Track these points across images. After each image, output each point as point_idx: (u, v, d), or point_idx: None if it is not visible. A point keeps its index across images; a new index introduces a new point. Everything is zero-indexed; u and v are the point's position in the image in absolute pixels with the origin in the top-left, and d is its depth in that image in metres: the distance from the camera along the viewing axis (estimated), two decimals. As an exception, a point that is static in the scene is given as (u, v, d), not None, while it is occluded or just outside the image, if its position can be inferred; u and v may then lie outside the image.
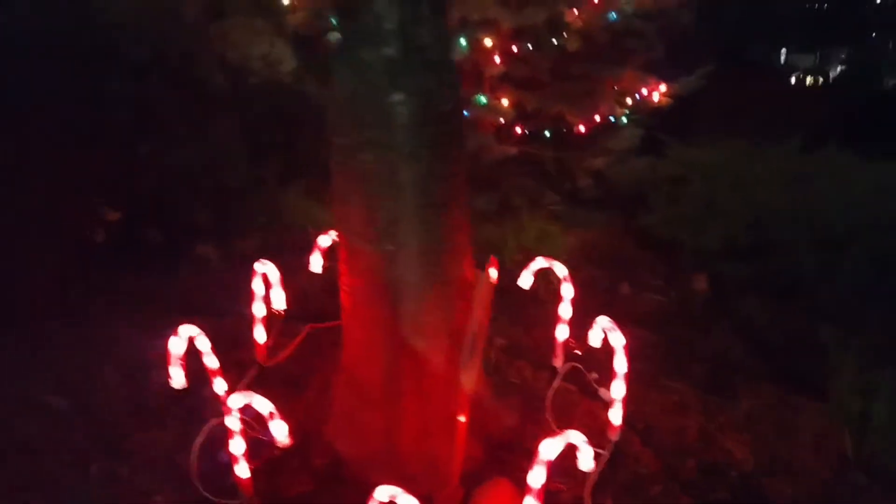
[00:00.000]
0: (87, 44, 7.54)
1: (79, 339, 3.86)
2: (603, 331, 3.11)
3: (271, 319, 3.69)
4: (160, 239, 4.96)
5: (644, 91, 5.16)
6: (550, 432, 2.77)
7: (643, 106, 5.20)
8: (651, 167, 5.16)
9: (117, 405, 3.36)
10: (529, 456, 2.51)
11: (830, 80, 22.70)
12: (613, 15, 4.74)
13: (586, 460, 2.56)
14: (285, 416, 2.81)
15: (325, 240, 3.71)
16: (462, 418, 2.67)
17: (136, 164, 5.31)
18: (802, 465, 3.24)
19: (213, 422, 3.01)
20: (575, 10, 4.67)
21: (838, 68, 24.83)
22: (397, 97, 2.67)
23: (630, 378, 3.08)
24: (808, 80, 22.49)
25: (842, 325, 3.95)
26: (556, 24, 4.64)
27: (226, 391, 3.16)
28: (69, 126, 5.53)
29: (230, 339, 3.80)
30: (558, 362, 3.54)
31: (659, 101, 5.22)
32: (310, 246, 4.86)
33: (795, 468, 3.22)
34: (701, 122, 6.08)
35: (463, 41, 4.57)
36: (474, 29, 4.60)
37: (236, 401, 2.66)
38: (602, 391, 3.44)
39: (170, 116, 6.33)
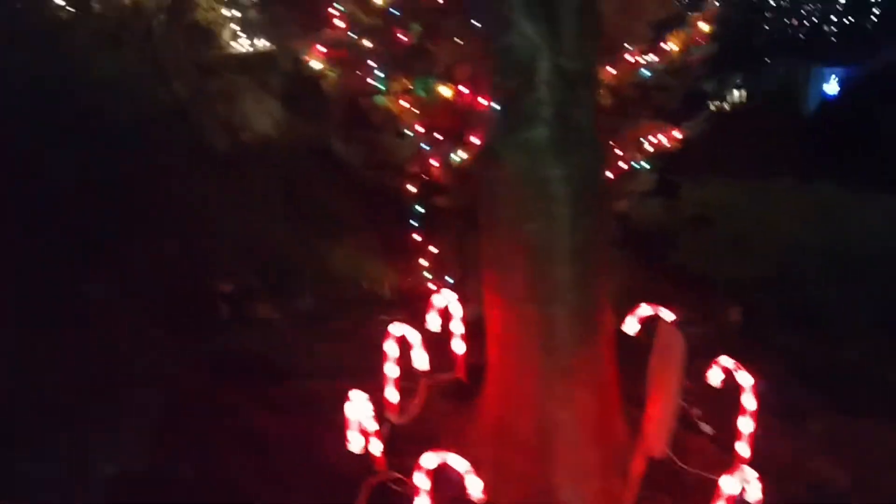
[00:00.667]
0: (76, 107, 7.46)
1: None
2: (725, 370, 3.36)
3: (407, 378, 3.73)
4: (223, 303, 4.99)
5: (659, 136, 5.48)
6: (673, 466, 3.01)
7: (657, 149, 5.52)
8: (669, 207, 5.49)
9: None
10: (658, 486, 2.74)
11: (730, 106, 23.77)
12: (646, 72, 5.07)
13: (754, 493, 2.80)
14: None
15: (440, 299, 3.84)
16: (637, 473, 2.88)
17: (187, 233, 5.34)
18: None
19: (375, 479, 3.12)
20: (610, 69, 4.98)
21: (735, 93, 26.08)
22: (558, 172, 2.89)
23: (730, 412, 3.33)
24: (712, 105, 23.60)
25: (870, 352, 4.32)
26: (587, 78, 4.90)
27: (382, 451, 3.27)
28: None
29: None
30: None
31: (670, 145, 5.55)
32: (372, 300, 4.99)
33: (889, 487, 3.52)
34: (702, 161, 6.46)
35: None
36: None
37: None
38: (704, 426, 3.69)
39: (196, 182, 6.36)
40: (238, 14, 8.29)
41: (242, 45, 8.50)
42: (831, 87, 22.49)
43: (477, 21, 3.16)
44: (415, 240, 5.50)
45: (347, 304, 5.13)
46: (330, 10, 5.37)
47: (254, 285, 5.15)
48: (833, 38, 32.73)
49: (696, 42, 5.28)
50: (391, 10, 4.94)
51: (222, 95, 7.63)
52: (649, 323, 3.75)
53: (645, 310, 3.70)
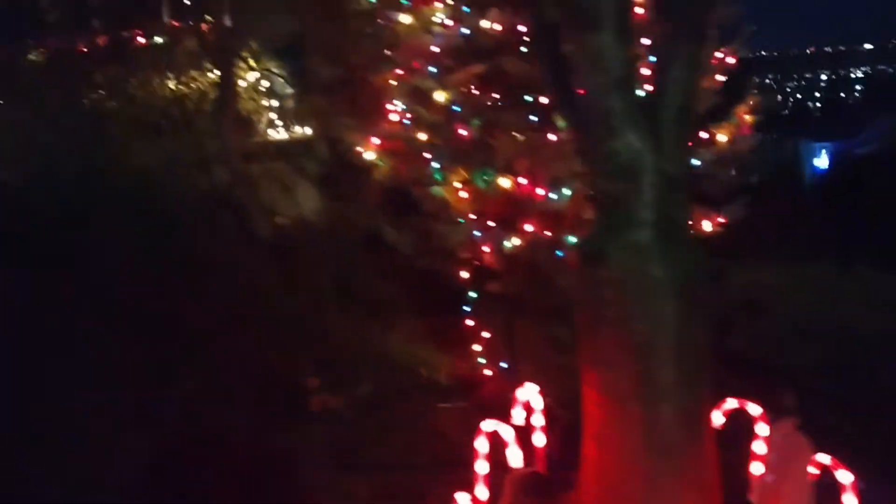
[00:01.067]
0: (119, 194, 7.53)
1: None
2: (819, 467, 3.33)
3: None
4: (281, 393, 4.94)
5: (704, 222, 5.54)
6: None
7: (703, 235, 5.57)
8: (719, 291, 5.48)
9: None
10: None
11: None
12: (697, 161, 5.16)
13: None
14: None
15: (524, 393, 3.80)
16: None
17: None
18: None
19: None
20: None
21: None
22: (663, 272, 2.91)
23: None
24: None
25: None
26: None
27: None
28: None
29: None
30: (754, 497, 3.71)
31: (713, 229, 5.61)
32: (429, 387, 4.94)
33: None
34: (739, 244, 6.49)
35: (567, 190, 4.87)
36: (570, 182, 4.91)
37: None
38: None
39: (245, 268, 6.38)
40: (276, 104, 8.41)
41: (279, 132, 8.61)
42: (822, 161, 22.75)
43: (578, 128, 3.19)
44: (468, 326, 5.50)
45: (406, 392, 5.09)
46: (387, 105, 5.49)
47: (314, 374, 5.10)
48: (818, 114, 33.55)
49: (742, 132, 5.40)
50: (453, 106, 5.02)
51: (263, 181, 7.70)
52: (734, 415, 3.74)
53: (731, 403, 3.68)
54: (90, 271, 6.31)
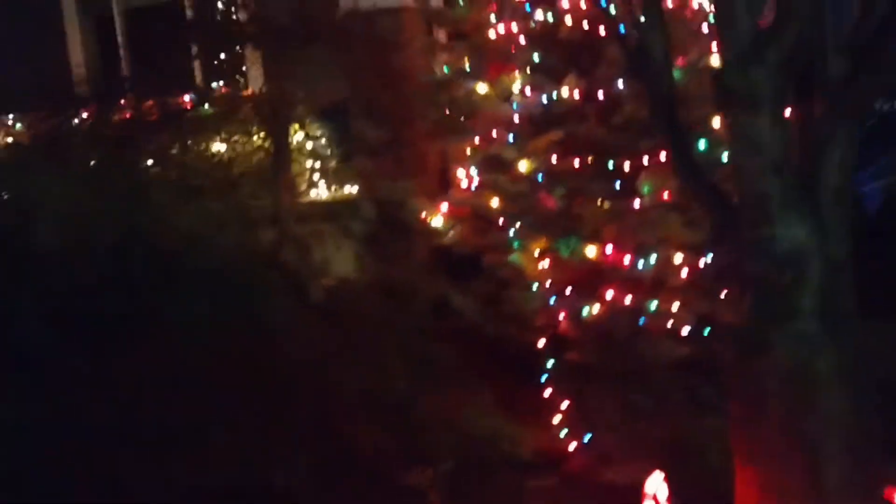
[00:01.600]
0: (163, 256, 7.33)
1: None
2: None
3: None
4: (361, 469, 4.69)
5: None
6: None
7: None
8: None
9: None
10: None
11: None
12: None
13: None
14: None
15: (652, 484, 3.58)
16: None
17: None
18: None
19: None
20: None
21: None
22: (833, 362, 2.73)
23: None
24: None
25: None
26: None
27: None
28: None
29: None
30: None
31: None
32: (512, 462, 4.72)
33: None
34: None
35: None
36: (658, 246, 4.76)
37: None
38: None
39: (302, 334, 6.15)
40: (318, 164, 8.25)
41: (322, 192, 8.45)
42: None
43: (712, 209, 3.04)
44: (544, 395, 5.28)
45: (489, 468, 4.83)
46: (459, 173, 5.34)
47: (393, 448, 4.85)
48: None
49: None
50: (536, 175, 4.87)
51: (312, 240, 7.51)
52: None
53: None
54: (133, 335, 6.10)
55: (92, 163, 7.96)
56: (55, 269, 7.60)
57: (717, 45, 3.17)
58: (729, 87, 2.81)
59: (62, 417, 5.12)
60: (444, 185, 7.44)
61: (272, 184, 7.12)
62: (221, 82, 8.16)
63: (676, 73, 3.55)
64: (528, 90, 4.89)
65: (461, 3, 5.31)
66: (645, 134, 4.81)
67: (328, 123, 8.32)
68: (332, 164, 8.40)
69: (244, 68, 8.11)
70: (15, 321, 6.20)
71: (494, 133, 5.00)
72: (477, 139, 5.17)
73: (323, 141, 8.37)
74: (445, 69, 5.38)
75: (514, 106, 4.89)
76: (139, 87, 9.54)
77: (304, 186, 8.31)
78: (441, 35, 7.24)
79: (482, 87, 4.98)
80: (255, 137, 7.72)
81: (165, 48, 9.90)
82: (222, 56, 8.14)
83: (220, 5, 9.61)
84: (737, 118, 2.80)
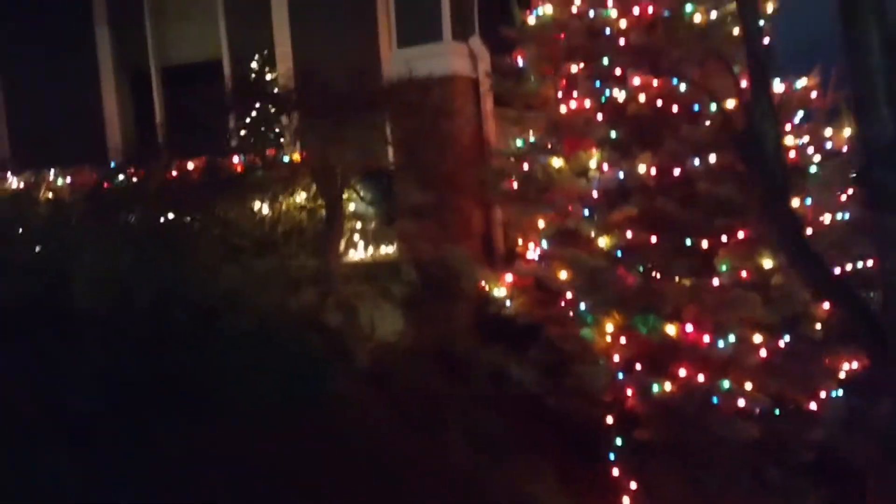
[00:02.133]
0: (202, 316, 7.17)
1: None
2: None
3: None
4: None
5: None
6: None
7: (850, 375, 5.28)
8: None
9: None
10: None
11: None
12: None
13: None
14: None
15: None
16: None
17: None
18: None
19: None
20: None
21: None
22: None
23: None
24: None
25: None
26: (800, 317, 4.78)
27: None
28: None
29: None
30: None
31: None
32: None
33: None
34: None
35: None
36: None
37: None
38: None
39: (355, 406, 5.96)
40: (361, 226, 8.14)
41: (361, 253, 8.32)
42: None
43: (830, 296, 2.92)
44: (612, 474, 5.10)
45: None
46: (528, 244, 5.23)
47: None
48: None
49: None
50: (615, 251, 4.75)
51: (357, 302, 7.35)
52: None
53: None
54: (172, 399, 5.89)
55: (133, 220, 7.84)
56: (94, 329, 7.41)
57: (858, 139, 3.10)
58: (874, 183, 2.70)
59: (100, 482, 4.91)
60: (488, 250, 7.34)
61: (320, 245, 6.99)
62: (264, 143, 8.07)
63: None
64: (605, 166, 4.78)
65: (532, 78, 5.24)
66: (720, 212, 4.72)
67: (370, 185, 8.24)
68: (373, 225, 8.29)
69: (284, 130, 8.03)
70: (52, 382, 6.00)
71: (570, 207, 4.88)
72: (550, 212, 5.04)
73: (365, 202, 8.27)
74: (519, 143, 5.27)
75: (591, 181, 4.78)
76: (175, 146, 9.48)
77: (344, 247, 8.19)
78: (489, 104, 7.20)
79: (557, 162, 4.87)
80: (298, 198, 7.63)
81: (204, 108, 9.85)
82: (264, 117, 8.06)
83: (255, 65, 9.64)
84: (883, 216, 2.69)
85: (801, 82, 5.02)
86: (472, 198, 7.05)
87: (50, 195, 7.88)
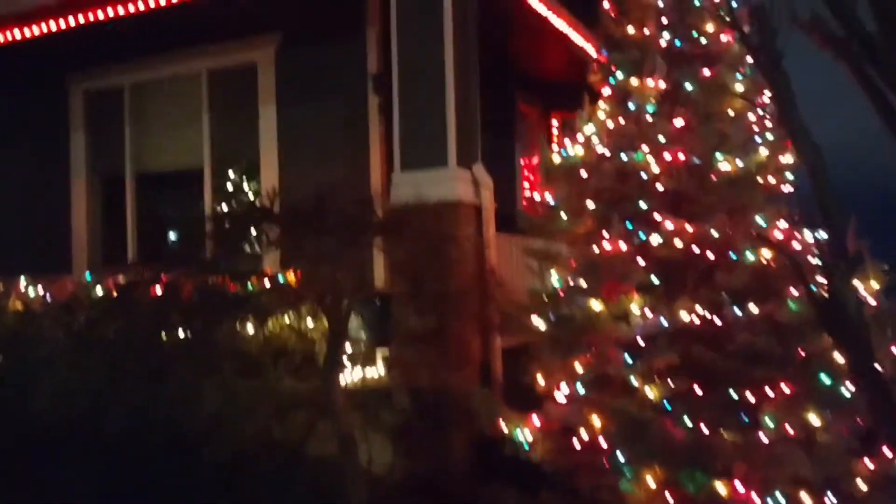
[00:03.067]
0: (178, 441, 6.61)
1: None
2: None
3: None
4: None
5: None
6: None
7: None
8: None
9: None
10: None
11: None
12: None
13: None
14: None
15: None
16: None
17: None
18: None
19: None
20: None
21: None
22: None
23: None
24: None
25: None
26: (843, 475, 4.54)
27: None
28: None
29: None
30: None
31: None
32: None
33: None
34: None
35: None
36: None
37: None
38: None
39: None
40: (351, 349, 7.65)
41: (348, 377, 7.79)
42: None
43: None
44: None
45: None
46: (552, 388, 4.89)
47: None
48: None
49: None
50: (664, 402, 4.46)
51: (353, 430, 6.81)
52: None
53: None
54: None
55: (110, 335, 7.23)
56: (57, 455, 6.67)
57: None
58: None
59: None
60: (486, 380, 6.99)
61: (321, 370, 6.50)
62: (254, 260, 7.64)
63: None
64: (647, 311, 4.54)
65: (563, 215, 5.04)
66: (761, 364, 4.52)
67: (362, 306, 7.82)
68: (362, 348, 7.83)
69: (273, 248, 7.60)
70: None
71: (612, 352, 4.59)
72: (587, 356, 4.74)
73: (357, 325, 7.83)
74: (556, 282, 5.01)
75: (632, 326, 4.53)
76: (149, 257, 8.92)
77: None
78: (491, 230, 6.99)
79: (596, 305, 4.62)
80: (290, 320, 7.16)
81: (180, 217, 9.37)
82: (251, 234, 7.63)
83: (237, 176, 9.27)
84: None
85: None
86: (472, 325, 6.72)
87: (19, 305, 7.19)
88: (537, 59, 9.76)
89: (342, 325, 6.25)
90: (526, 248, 5.55)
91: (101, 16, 7.68)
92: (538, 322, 5.07)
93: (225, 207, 8.75)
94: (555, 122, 11.29)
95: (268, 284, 6.99)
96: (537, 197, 5.27)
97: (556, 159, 5.20)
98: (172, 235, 9.39)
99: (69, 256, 9.23)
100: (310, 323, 7.32)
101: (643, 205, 4.80)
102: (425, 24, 6.78)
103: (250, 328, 7.20)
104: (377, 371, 7.68)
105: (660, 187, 4.87)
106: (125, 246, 9.19)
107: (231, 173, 8.95)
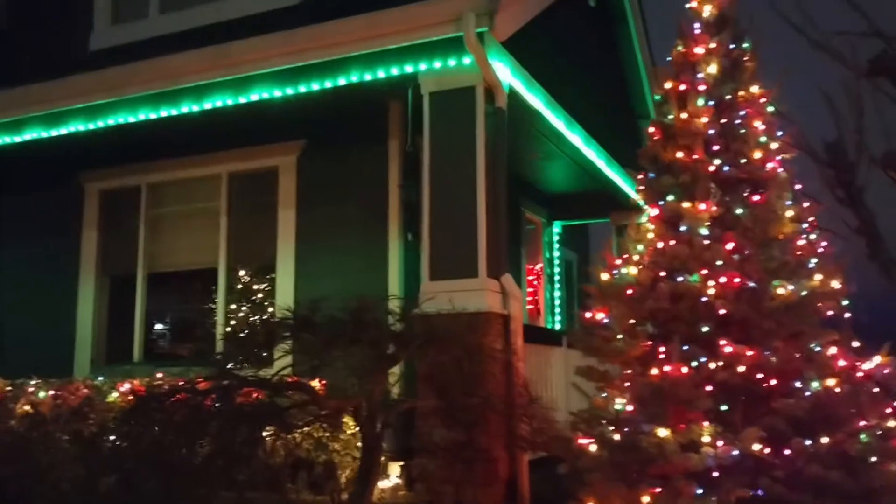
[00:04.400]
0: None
1: None
2: None
3: None
4: None
5: None
6: None
7: None
8: None
9: None
10: None
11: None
12: None
13: None
14: None
15: None
16: None
17: None
18: None
19: None
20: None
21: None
22: None
23: None
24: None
25: None
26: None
27: None
28: None
29: None
30: None
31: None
32: None
33: None
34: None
35: None
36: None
37: None
38: None
39: None
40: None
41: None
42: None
43: None
44: None
45: None
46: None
47: None
48: None
49: None
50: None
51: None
52: None
53: None
54: None
55: (121, 442, 6.60)
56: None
57: None
58: None
59: None
60: (513, 497, 6.50)
61: (334, 482, 5.97)
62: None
63: None
64: (719, 441, 4.18)
65: (619, 336, 4.72)
66: (833, 498, 4.15)
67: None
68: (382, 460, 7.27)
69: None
70: None
71: (683, 485, 4.18)
72: (656, 488, 4.32)
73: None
74: (619, 405, 4.63)
75: (703, 456, 4.15)
76: (155, 357, 8.37)
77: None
78: (519, 341, 6.64)
79: (663, 432, 4.24)
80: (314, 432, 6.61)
81: (192, 317, 8.84)
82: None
83: (248, 276, 8.82)
84: None
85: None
86: (500, 439, 6.26)
87: (28, 408, 6.57)
88: (543, 170, 9.68)
89: (377, 440, 5.76)
90: (579, 368, 5.18)
91: (130, 119, 7.36)
92: (588, 443, 4.65)
93: (243, 308, 8.28)
94: (556, 231, 11.16)
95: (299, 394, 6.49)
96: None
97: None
98: (176, 335, 8.83)
99: (72, 353, 8.64)
100: (328, 433, 6.79)
101: (703, 328, 4.50)
102: (457, 139, 6.62)
103: (267, 436, 6.64)
104: (389, 483, 7.11)
105: (716, 310, 4.58)
106: (131, 345, 8.63)
107: (245, 273, 8.51)
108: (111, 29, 8.97)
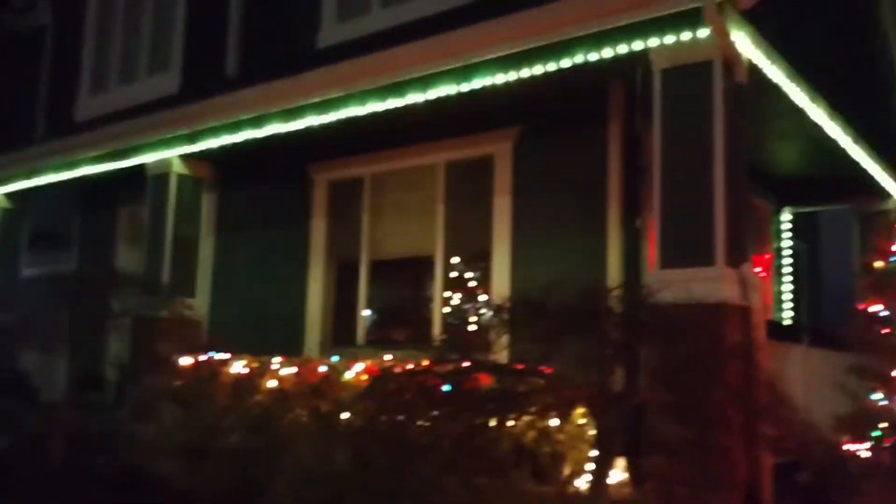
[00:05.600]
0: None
1: None
2: None
3: None
4: None
5: None
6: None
7: None
8: None
9: None
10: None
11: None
12: None
13: None
14: None
15: None
16: None
17: None
18: None
19: None
20: None
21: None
22: None
23: None
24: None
25: None
26: None
27: None
28: None
29: None
30: None
31: None
32: None
33: None
34: None
35: None
36: None
37: None
38: None
39: None
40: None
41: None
42: None
43: None
44: None
45: None
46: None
47: None
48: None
49: None
50: None
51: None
52: None
53: None
54: None
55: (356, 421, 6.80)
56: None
57: None
58: None
59: None
60: (750, 501, 5.94)
61: (558, 473, 5.74)
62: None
63: None
64: None
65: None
66: None
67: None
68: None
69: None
70: None
71: None
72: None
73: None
74: None
75: None
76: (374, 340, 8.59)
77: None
78: (761, 335, 6.05)
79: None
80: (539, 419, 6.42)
81: (409, 303, 9.01)
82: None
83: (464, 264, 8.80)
84: None
85: None
86: (738, 440, 5.73)
87: (273, 384, 6.96)
88: (775, 151, 8.86)
89: (611, 434, 5.48)
90: (807, 363, 4.61)
91: (358, 112, 7.59)
92: (857, 449, 4.08)
93: (458, 295, 8.30)
94: (785, 217, 10.24)
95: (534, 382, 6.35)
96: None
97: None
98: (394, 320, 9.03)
99: (302, 335, 9.12)
100: (553, 423, 6.58)
101: None
102: (691, 117, 6.15)
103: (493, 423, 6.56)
104: (612, 480, 6.77)
105: None
106: (354, 328, 8.97)
107: (460, 261, 8.53)
108: (338, 26, 9.35)
